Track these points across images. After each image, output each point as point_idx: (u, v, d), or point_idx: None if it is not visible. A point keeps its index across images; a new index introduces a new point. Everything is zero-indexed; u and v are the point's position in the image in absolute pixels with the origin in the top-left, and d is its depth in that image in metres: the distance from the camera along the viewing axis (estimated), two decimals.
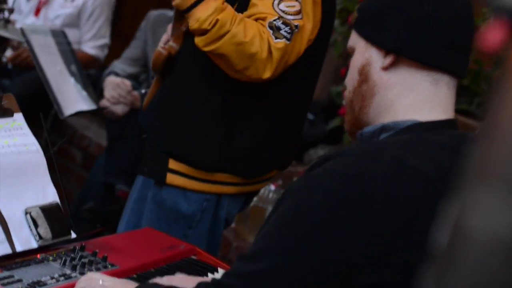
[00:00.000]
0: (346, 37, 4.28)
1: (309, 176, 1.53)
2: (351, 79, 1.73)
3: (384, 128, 1.66)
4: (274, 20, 2.45)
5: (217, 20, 2.38)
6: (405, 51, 1.64)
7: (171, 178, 2.66)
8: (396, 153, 1.53)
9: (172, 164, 2.65)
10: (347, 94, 1.75)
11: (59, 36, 4.44)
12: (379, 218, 1.45)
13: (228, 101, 2.59)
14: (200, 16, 2.39)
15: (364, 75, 1.69)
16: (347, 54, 1.76)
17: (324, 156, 1.59)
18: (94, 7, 5.12)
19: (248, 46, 2.40)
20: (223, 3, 2.43)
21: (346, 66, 1.78)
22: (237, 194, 2.74)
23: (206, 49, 2.43)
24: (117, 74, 4.62)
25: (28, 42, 4.10)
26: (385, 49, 1.66)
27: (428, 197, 1.49)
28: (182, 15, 2.67)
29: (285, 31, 2.45)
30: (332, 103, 4.82)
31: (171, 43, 2.72)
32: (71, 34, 4.90)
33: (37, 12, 5.06)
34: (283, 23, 2.45)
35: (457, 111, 3.95)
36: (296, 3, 2.49)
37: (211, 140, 2.61)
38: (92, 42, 5.16)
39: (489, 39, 0.65)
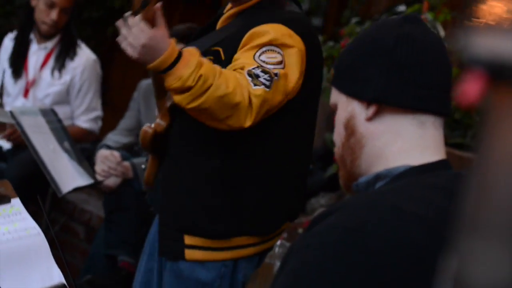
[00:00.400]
0: None
1: (311, 234, 1.53)
2: (338, 134, 1.72)
3: (378, 176, 1.65)
4: (253, 69, 2.42)
5: (200, 76, 2.31)
6: (385, 98, 1.63)
7: (190, 254, 2.62)
8: (392, 200, 1.53)
9: (188, 239, 2.62)
10: (337, 150, 1.74)
11: (49, 114, 4.45)
12: (381, 265, 1.44)
13: (227, 164, 2.58)
14: (182, 74, 2.31)
15: (350, 129, 1.69)
16: (332, 111, 1.75)
17: (324, 211, 1.58)
18: (82, 81, 5.12)
19: (232, 96, 2.34)
20: (200, 57, 2.37)
21: None
22: (254, 254, 2.72)
23: (190, 106, 2.35)
24: (108, 147, 4.63)
25: (18, 124, 4.12)
26: (366, 100, 1.65)
27: (428, 238, 1.49)
28: (162, 91, 2.66)
29: (264, 78, 2.41)
30: (328, 150, 4.83)
31: (158, 120, 2.71)
32: (62, 110, 4.92)
33: (25, 93, 5.07)
34: (262, 71, 2.42)
35: (452, 145, 3.98)
36: (278, 55, 2.47)
37: (221, 207, 2.59)
38: (84, 116, 5.16)
39: (466, 92, 0.65)
